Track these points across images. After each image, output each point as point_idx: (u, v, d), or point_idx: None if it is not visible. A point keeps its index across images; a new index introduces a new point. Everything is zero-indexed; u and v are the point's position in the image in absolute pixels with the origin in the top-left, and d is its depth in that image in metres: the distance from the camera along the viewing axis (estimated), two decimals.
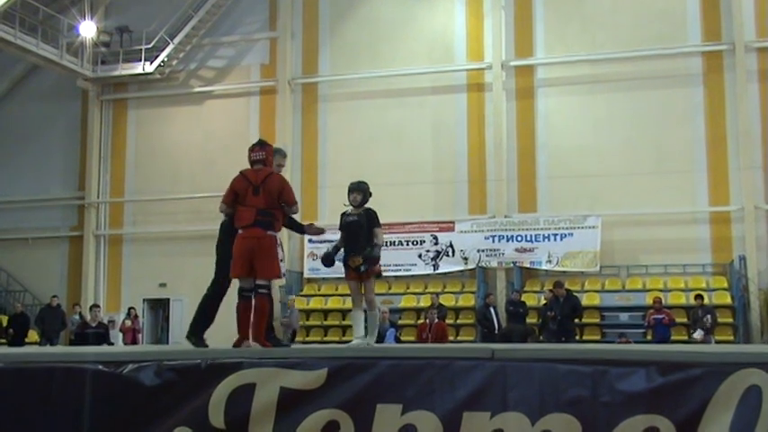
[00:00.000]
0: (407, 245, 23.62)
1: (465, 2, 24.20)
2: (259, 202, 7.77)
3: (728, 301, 20.81)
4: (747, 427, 5.43)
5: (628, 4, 22.90)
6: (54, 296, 22.42)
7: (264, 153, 7.98)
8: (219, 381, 6.13)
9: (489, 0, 23.79)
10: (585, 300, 21.05)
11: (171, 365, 6.28)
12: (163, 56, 25.80)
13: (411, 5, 24.62)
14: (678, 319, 19.80)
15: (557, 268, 22.14)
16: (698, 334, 18.29)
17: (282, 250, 8.15)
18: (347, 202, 8.81)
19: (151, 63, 25.88)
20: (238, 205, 7.85)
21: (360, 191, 9.22)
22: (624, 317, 21.49)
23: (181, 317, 24.17)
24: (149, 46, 25.92)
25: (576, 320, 19.19)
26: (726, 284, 21.35)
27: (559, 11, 23.50)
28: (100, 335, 19.50)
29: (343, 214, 8.83)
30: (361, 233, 8.85)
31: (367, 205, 9.08)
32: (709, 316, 18.52)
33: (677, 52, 22.40)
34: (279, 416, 6.04)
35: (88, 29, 25.72)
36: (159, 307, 25.52)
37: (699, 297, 19.27)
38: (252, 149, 7.99)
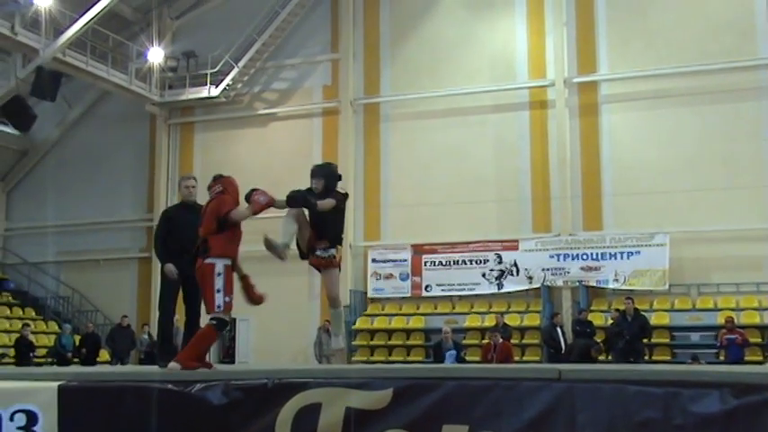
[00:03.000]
0: (471, 264, 23.50)
1: (526, 19, 24.10)
2: (201, 231, 7.76)
3: None
4: None
5: (693, 17, 22.52)
6: (124, 316, 22.85)
7: (221, 185, 8.05)
8: (286, 400, 6.16)
9: (551, 16, 23.66)
10: (654, 319, 20.65)
11: (238, 385, 6.34)
12: (228, 79, 26.23)
13: (472, 24, 24.61)
14: (752, 340, 19.29)
15: (624, 287, 21.76)
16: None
17: (223, 279, 7.62)
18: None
19: (216, 87, 26.33)
20: None
21: (321, 176, 8.38)
22: (695, 337, 21.00)
23: (247, 336, 24.44)
24: (215, 70, 26.37)
25: (645, 340, 18.85)
26: None
27: (622, 26, 23.24)
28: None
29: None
30: (327, 219, 8.26)
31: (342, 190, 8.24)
32: None
33: (745, 65, 21.93)
34: None
35: (156, 55, 26.28)
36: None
37: None
38: (208, 187, 8.12)
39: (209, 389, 6.33)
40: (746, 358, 18.48)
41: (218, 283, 7.53)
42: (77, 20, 22.71)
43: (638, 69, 22.79)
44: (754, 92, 21.84)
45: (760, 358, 18.90)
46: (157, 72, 26.62)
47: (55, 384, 6.59)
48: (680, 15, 22.65)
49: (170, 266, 8.53)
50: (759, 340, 19.49)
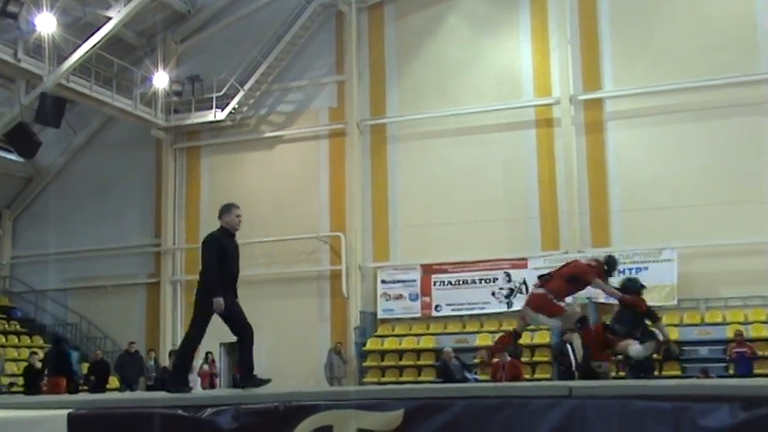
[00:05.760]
0: (480, 283, 23.49)
1: (531, 37, 24.19)
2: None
3: None
4: None
5: (696, 33, 22.57)
6: (132, 342, 22.80)
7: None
8: (297, 423, 6.15)
9: (555, 34, 23.75)
10: None
11: (249, 409, 6.34)
12: (233, 103, 26.33)
13: (477, 43, 24.72)
14: (761, 352, 19.20)
15: None
16: None
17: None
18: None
19: (222, 110, 26.44)
20: None
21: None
22: (704, 351, 20.91)
23: (257, 359, 24.33)
24: (220, 94, 26.49)
25: (655, 356, 18.74)
26: None
27: (626, 43, 23.30)
28: None
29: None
30: None
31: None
32: None
33: (748, 80, 21.95)
34: None
35: (161, 79, 26.39)
36: (236, 351, 25.75)
37: None
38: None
39: (219, 413, 6.33)
40: (756, 371, 18.39)
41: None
42: (81, 45, 22.87)
43: (643, 86, 22.83)
44: (759, 106, 21.85)
45: None
46: (162, 96, 26.75)
47: (65, 413, 6.59)
48: (683, 31, 22.70)
49: (221, 301, 8.40)
50: None
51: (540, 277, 10.21)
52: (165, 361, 21.35)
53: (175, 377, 8.52)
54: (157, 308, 26.91)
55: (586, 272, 10.03)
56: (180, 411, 6.48)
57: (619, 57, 23.34)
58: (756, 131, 21.76)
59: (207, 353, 23.28)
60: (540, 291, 9.75)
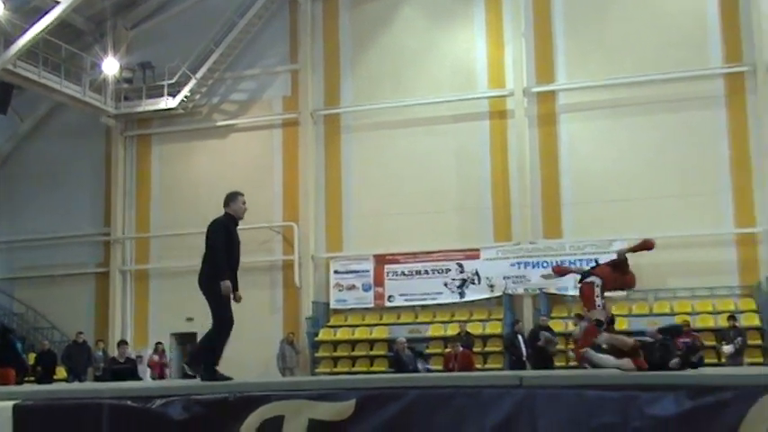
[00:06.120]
0: (433, 273, 23.58)
1: (485, 30, 24.28)
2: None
3: (757, 322, 20.53)
4: None
5: (647, 28, 22.86)
6: (80, 332, 22.43)
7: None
8: (248, 414, 6.13)
9: (510, 27, 23.87)
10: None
11: (199, 399, 6.29)
12: (185, 91, 26.04)
13: (432, 34, 24.74)
14: (707, 343, 19.53)
15: None
16: (727, 348, 18.10)
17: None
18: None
19: (174, 98, 26.13)
20: None
21: None
22: None
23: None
24: (172, 81, 26.16)
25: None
26: (754, 306, 21.08)
27: (579, 36, 23.52)
28: (127, 370, 19.53)
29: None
30: None
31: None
32: (740, 338, 18.30)
33: (699, 75, 22.31)
34: None
35: (111, 66, 25.97)
36: (187, 341, 25.56)
37: (732, 318, 19.04)
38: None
39: (169, 404, 6.28)
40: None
41: None
42: (28, 30, 22.38)
43: (595, 79, 23.07)
44: (708, 101, 22.22)
45: (714, 360, 19.16)
46: (112, 83, 26.33)
47: (10, 404, 6.48)
48: (635, 26, 22.98)
49: (228, 284, 8.35)
50: (713, 343, 19.75)
51: None
52: (114, 351, 21.08)
53: (210, 370, 8.17)
54: (106, 298, 26.56)
55: None
56: (129, 402, 6.41)
57: (572, 50, 23.56)
58: (704, 125, 22.12)
59: (157, 343, 23.08)
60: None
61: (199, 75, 25.94)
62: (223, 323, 8.47)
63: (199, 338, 25.29)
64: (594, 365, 8.32)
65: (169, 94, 26.19)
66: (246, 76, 26.59)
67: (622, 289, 9.22)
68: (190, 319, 24.54)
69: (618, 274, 8.71)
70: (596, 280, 8.44)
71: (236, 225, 8.95)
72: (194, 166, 26.52)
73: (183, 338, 25.44)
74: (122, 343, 20.61)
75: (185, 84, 26.07)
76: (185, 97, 26.14)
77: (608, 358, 8.02)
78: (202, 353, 8.55)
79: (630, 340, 8.03)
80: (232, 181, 25.60)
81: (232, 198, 8.93)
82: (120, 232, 26.87)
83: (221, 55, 25.92)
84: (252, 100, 26.53)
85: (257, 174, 25.43)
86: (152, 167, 27.15)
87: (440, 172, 23.99)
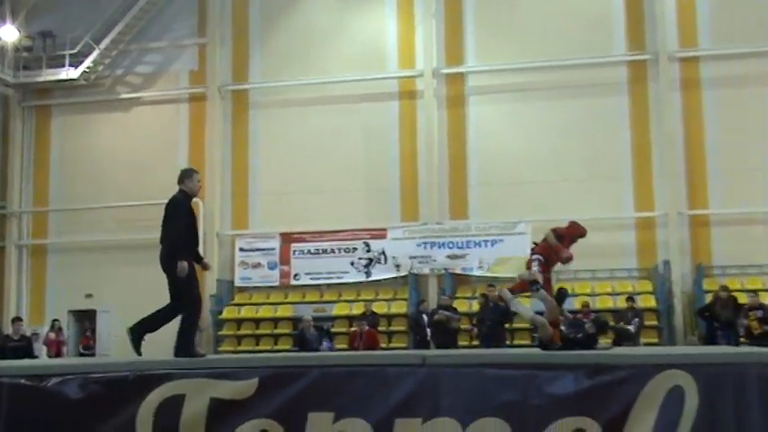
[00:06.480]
0: (339, 252, 23.59)
1: (396, 10, 24.29)
2: None
3: (653, 304, 21.22)
4: (671, 426, 5.55)
5: (556, 13, 23.26)
6: None
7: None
8: (148, 393, 6.03)
9: (420, 8, 23.94)
10: None
11: (97, 378, 6.16)
12: (88, 62, 25.28)
13: (343, 13, 24.62)
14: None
15: (487, 274, 22.32)
16: (631, 326, 18.66)
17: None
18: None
19: (76, 69, 25.34)
20: None
21: None
22: None
23: (108, 328, 23.66)
24: (74, 51, 25.36)
25: (507, 326, 19.34)
26: (651, 288, 21.79)
27: (489, 20, 23.75)
28: (22, 348, 18.94)
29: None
30: None
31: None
32: (637, 319, 18.87)
33: (603, 62, 22.82)
34: (209, 427, 5.97)
35: (9, 33, 25.10)
36: (85, 319, 24.98)
37: (630, 299, 19.59)
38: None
39: (65, 383, 6.12)
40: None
41: None
42: None
43: (504, 62, 23.36)
44: (611, 87, 22.76)
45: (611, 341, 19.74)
46: (11, 51, 25.41)
47: None
48: (544, 11, 23.34)
49: (185, 265, 8.10)
50: (612, 324, 20.31)
51: None
52: (9, 328, 20.42)
53: (187, 348, 7.97)
54: (1, 273, 25.69)
55: None
56: (23, 381, 6.21)
57: (481, 33, 23.78)
58: (608, 112, 22.67)
59: (54, 320, 22.48)
60: None
61: (102, 45, 25.22)
62: (191, 303, 8.39)
63: (98, 316, 24.58)
64: (506, 305, 9.43)
65: (71, 65, 25.39)
66: (152, 49, 25.97)
67: (563, 263, 10.12)
68: (89, 296, 23.97)
69: (555, 250, 9.89)
70: (538, 257, 9.58)
71: (191, 202, 8.71)
72: (96, 139, 25.82)
73: (82, 316, 24.84)
74: (17, 320, 19.96)
75: (88, 54, 25.30)
76: (88, 68, 25.39)
77: (526, 308, 8.85)
78: (183, 339, 8.32)
79: (557, 312, 8.74)
80: (135, 155, 25.19)
81: (187, 175, 8.61)
82: (16, 206, 25.98)
83: (126, 26, 25.25)
84: (157, 73, 25.94)
85: (162, 148, 24.94)
86: (51, 140, 26.29)
87: (348, 151, 23.97)
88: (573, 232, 9.81)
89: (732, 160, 21.82)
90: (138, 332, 8.39)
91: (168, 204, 8.44)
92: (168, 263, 8.23)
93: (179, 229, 8.27)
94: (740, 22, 22.28)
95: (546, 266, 9.22)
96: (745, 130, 21.89)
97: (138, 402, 6.03)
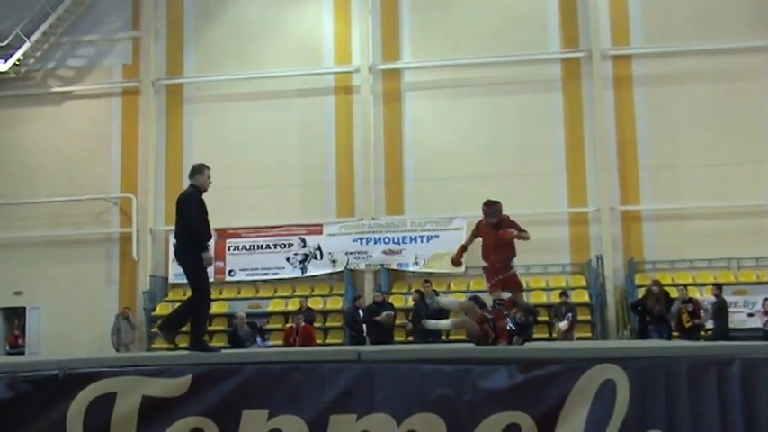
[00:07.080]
0: (275, 248, 23.48)
1: (333, 6, 24.26)
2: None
3: (587, 299, 21.57)
4: (603, 419, 5.65)
5: (491, 10, 23.48)
6: None
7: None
8: (78, 391, 5.94)
9: (357, 4, 23.94)
10: None
11: (26, 377, 6.04)
12: (18, 54, 24.70)
13: (279, 8, 24.48)
14: (539, 318, 20.34)
15: (423, 269, 22.46)
16: (563, 325, 18.93)
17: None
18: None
19: (5, 62, 24.75)
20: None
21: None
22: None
23: (38, 325, 23.18)
24: (3, 44, 24.73)
25: None
26: (584, 283, 22.14)
27: (425, 16, 23.87)
28: None
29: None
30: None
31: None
32: (570, 314, 19.17)
33: (537, 59, 23.12)
34: (141, 425, 5.91)
35: None
36: (14, 316, 24.41)
37: (564, 294, 19.87)
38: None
39: None
40: (533, 336, 19.47)
41: None
42: None
43: (439, 59, 23.50)
44: (545, 84, 23.07)
45: (546, 335, 20.02)
46: None
47: None
48: (479, 8, 23.54)
49: (211, 255, 8.39)
50: (546, 318, 20.61)
51: None
52: None
53: (200, 343, 8.04)
54: None
55: None
56: None
57: (417, 29, 23.88)
58: (542, 108, 22.97)
59: None
60: None
61: (33, 38, 24.65)
62: (204, 293, 8.51)
63: (28, 313, 24.10)
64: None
65: (0, 58, 24.77)
66: (85, 42, 25.49)
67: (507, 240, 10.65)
68: (18, 293, 23.42)
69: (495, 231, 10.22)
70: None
71: (202, 197, 8.90)
72: (27, 133, 25.25)
73: (10, 313, 24.26)
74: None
75: (19, 47, 24.72)
76: (18, 61, 24.82)
77: (452, 301, 9.41)
78: (180, 319, 8.54)
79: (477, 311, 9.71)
80: (67, 149, 24.72)
81: (199, 170, 8.87)
82: None
83: (58, 18, 24.74)
84: (90, 66, 25.47)
85: (94, 143, 24.53)
86: None
87: (284, 146, 23.87)
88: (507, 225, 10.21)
89: (663, 157, 22.31)
90: (171, 328, 8.55)
91: (180, 200, 8.64)
92: (189, 255, 8.36)
93: (197, 222, 8.46)
94: (671, 20, 22.78)
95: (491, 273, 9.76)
96: (675, 127, 22.39)
97: (69, 401, 5.94)
